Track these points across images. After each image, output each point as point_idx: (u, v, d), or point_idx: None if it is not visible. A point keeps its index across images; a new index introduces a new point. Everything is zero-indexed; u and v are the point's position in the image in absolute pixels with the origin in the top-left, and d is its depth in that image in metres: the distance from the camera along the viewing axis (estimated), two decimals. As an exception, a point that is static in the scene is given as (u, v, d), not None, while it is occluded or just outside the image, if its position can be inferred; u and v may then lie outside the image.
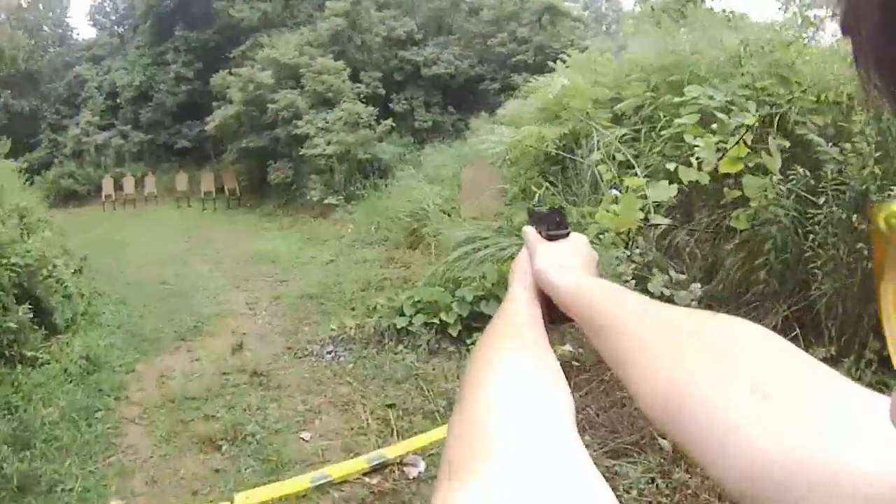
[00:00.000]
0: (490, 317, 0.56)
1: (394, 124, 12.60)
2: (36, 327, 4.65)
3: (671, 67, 4.96)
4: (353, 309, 6.08)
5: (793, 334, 3.23)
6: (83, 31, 38.83)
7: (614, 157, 4.72)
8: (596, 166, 4.83)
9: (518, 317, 0.54)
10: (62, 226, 13.25)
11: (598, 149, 4.98)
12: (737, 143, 3.75)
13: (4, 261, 4.42)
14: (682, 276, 3.67)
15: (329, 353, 4.86)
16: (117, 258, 9.61)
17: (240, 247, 10.03)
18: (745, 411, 0.34)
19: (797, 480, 0.29)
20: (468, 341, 4.44)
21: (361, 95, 13.07)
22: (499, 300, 0.74)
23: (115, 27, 25.64)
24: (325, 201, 10.84)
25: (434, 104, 15.42)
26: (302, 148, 11.48)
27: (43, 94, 21.93)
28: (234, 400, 4.13)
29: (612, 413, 3.18)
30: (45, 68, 22.56)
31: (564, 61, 6.54)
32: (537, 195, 5.23)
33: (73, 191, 18.64)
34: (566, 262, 0.60)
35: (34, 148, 20.59)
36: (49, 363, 4.47)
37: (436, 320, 4.70)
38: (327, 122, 11.76)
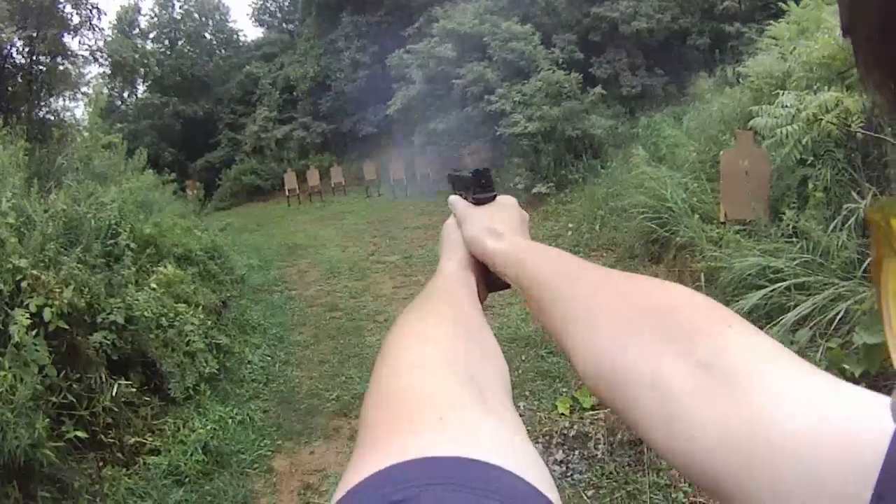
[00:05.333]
0: None
1: (604, 91, 10.26)
2: (147, 398, 3.49)
3: None
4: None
5: None
6: (249, 32, 40.77)
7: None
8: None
9: (448, 291, 0.53)
10: (237, 226, 13.10)
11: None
12: None
13: (101, 318, 3.08)
14: None
15: (558, 462, 3.31)
16: (285, 270, 8.49)
17: (435, 248, 8.42)
18: (690, 391, 0.33)
19: (738, 452, 0.29)
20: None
21: (558, 62, 10.90)
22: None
23: (283, 24, 26.08)
24: (533, 190, 8.87)
25: (639, 66, 12.78)
26: (499, 127, 9.62)
27: (216, 96, 22.70)
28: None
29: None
30: (213, 72, 23.37)
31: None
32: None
33: (256, 186, 18.83)
34: (498, 227, 0.58)
35: (214, 148, 21.36)
36: (159, 453, 3.28)
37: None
38: (524, 96, 9.78)
